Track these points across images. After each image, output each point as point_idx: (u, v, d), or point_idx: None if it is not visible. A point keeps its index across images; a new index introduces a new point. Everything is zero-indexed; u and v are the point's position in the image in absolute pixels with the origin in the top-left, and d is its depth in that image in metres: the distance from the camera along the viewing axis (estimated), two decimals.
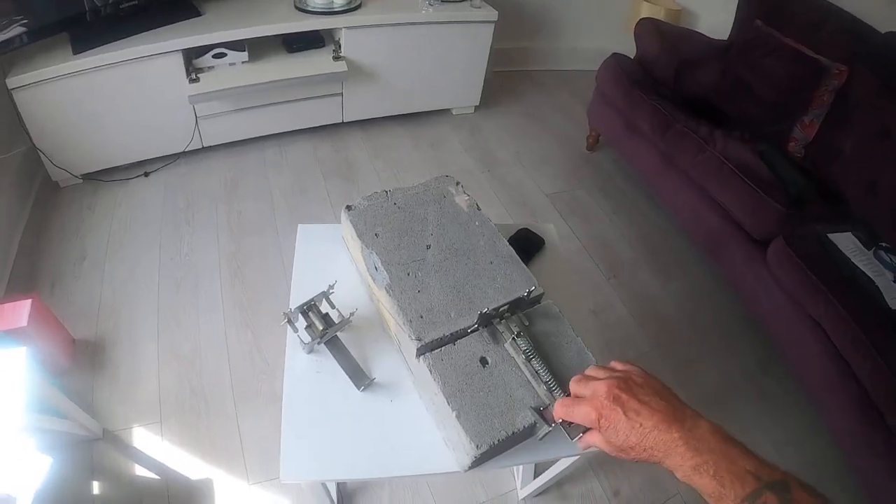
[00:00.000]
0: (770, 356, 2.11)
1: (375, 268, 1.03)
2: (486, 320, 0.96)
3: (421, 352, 0.92)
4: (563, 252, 1.37)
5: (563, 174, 2.94)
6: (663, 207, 2.64)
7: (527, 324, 0.97)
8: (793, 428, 1.94)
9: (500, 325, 0.95)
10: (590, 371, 0.73)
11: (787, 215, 1.97)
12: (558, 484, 1.75)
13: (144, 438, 1.83)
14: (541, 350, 0.93)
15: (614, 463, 1.79)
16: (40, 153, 2.51)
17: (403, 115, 3.21)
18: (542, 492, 1.73)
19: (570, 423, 0.73)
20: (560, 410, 0.72)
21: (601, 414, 0.65)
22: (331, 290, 1.05)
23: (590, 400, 0.67)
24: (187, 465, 1.78)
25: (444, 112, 3.32)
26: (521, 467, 1.70)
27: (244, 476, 1.75)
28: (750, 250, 2.07)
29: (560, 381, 0.88)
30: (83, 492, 1.71)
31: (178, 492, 1.72)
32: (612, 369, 0.71)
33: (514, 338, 0.79)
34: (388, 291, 0.98)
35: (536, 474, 1.67)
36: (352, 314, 1.03)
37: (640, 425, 0.63)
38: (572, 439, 0.73)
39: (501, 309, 0.94)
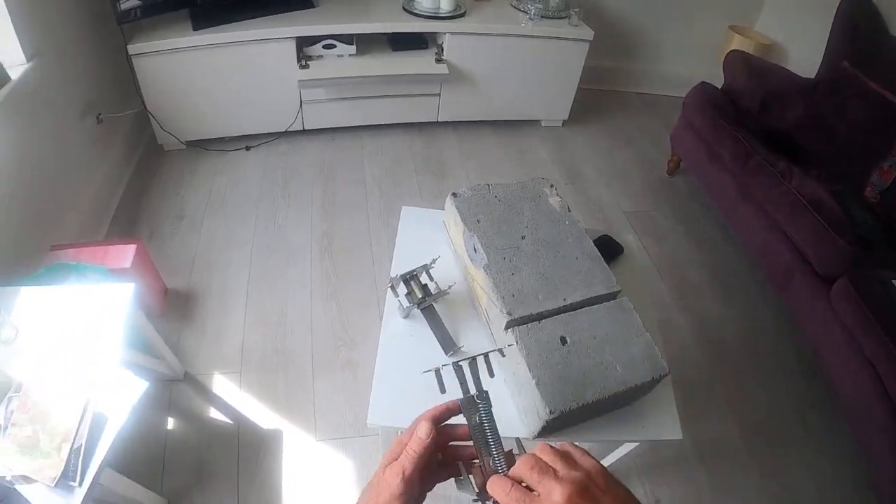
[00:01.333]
0: (822, 393, 2.12)
1: (475, 249, 1.16)
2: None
3: (509, 325, 1.04)
4: (639, 264, 1.46)
5: (641, 194, 3.00)
6: (735, 236, 2.66)
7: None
8: (836, 467, 1.94)
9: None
10: (544, 456, 0.56)
11: (855, 255, 1.98)
12: None
13: (222, 385, 1.99)
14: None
15: (659, 472, 1.85)
16: (150, 116, 2.76)
17: (495, 121, 3.34)
18: None
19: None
20: (499, 493, 0.55)
21: None
22: (432, 264, 1.18)
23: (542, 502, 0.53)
24: (260, 414, 1.92)
25: (533, 123, 3.43)
26: None
27: (312, 432, 1.89)
28: (815, 286, 2.08)
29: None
30: (158, 425, 1.88)
31: (248, 438, 1.86)
32: (572, 462, 0.55)
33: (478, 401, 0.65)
34: (485, 270, 1.10)
35: None
36: (450, 287, 1.17)
37: None
38: None
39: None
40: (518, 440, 0.65)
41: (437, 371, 0.67)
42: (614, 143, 3.37)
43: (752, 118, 2.64)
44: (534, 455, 0.56)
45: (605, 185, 3.03)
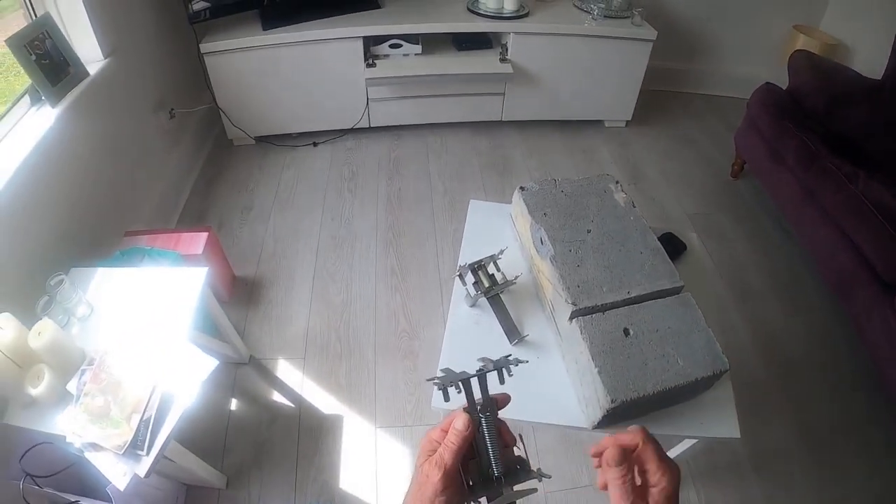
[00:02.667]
0: (883, 406, 2.06)
1: (541, 241, 1.20)
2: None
3: (574, 315, 1.08)
4: (701, 263, 1.46)
5: (704, 197, 2.96)
6: (798, 241, 2.60)
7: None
8: (892, 483, 1.88)
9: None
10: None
11: None
12: None
13: (286, 370, 2.06)
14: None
15: (713, 477, 1.84)
16: (221, 112, 2.89)
17: (559, 121, 3.35)
18: None
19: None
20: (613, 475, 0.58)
21: None
22: (500, 255, 1.22)
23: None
24: (321, 400, 1.98)
25: (597, 123, 3.42)
26: None
27: (372, 419, 1.94)
28: (879, 294, 2.01)
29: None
30: (222, 405, 1.95)
31: (309, 421, 1.92)
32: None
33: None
34: (551, 262, 1.14)
35: None
36: (517, 277, 1.21)
37: None
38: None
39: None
40: (520, 435, 0.65)
41: (444, 387, 0.64)
42: (677, 144, 3.33)
43: (816, 120, 2.57)
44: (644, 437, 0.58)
45: (667, 187, 3.01)
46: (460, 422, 0.60)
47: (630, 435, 0.59)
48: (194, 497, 1.72)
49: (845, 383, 2.15)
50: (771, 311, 2.38)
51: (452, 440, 0.59)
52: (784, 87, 2.73)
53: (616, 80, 3.15)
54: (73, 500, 1.34)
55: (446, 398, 0.63)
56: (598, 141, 3.31)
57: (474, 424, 0.61)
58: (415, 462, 0.63)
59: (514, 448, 0.64)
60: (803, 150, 2.39)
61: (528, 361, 0.67)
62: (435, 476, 0.57)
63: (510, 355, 0.66)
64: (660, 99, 3.65)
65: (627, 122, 3.41)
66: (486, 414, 0.62)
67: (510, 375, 0.66)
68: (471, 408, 0.62)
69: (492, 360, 0.66)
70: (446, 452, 0.59)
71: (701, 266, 1.44)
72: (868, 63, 2.83)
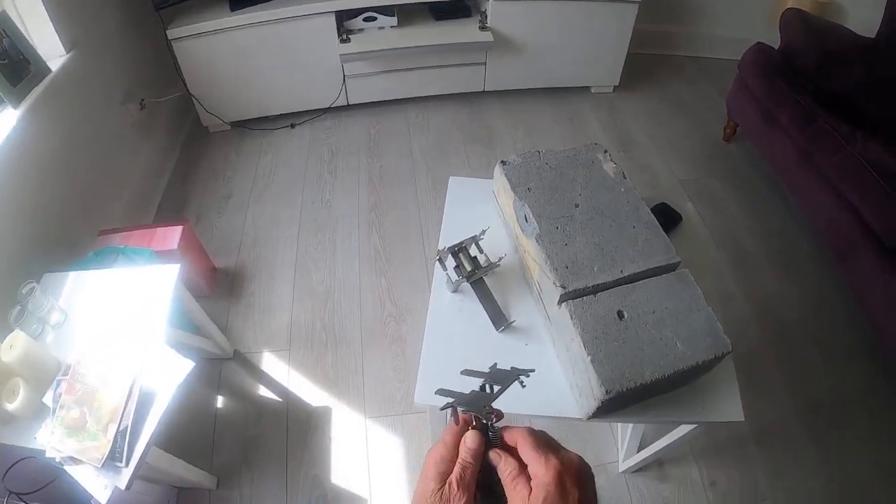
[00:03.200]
0: (884, 374, 2.01)
1: (526, 219, 1.11)
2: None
3: (563, 299, 1.00)
4: (698, 234, 1.38)
5: (697, 162, 2.89)
6: (795, 205, 2.54)
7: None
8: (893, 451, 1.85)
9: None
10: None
11: None
12: (658, 462, 1.78)
13: (271, 363, 2.02)
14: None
15: (715, 454, 1.80)
16: (194, 99, 2.79)
17: (543, 88, 3.24)
18: (641, 468, 1.76)
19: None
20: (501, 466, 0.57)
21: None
22: (481, 236, 1.14)
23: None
24: (309, 392, 1.94)
25: (583, 90, 3.32)
26: (626, 440, 1.74)
27: (361, 409, 1.89)
28: (879, 258, 1.96)
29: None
30: (208, 403, 1.91)
31: (297, 414, 1.88)
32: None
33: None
34: (537, 241, 1.05)
35: (640, 449, 1.70)
36: (500, 259, 1.12)
37: None
38: None
39: None
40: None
41: (454, 408, 0.61)
42: (667, 109, 3.24)
43: (810, 79, 2.50)
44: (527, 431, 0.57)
45: (658, 153, 2.92)
46: (473, 440, 0.57)
47: (514, 431, 0.58)
48: (186, 499, 1.69)
49: (848, 352, 2.10)
50: (770, 279, 2.32)
51: (469, 460, 0.56)
52: (776, 48, 2.64)
53: (601, 45, 3.05)
54: None
55: (456, 421, 0.60)
56: (584, 108, 3.22)
57: (483, 439, 0.58)
58: (420, 484, 0.57)
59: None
60: (798, 110, 2.32)
61: (535, 370, 0.62)
62: (459, 500, 0.53)
63: (516, 368, 0.62)
64: (648, 63, 3.54)
65: (615, 87, 3.31)
66: (493, 430, 0.59)
67: (523, 387, 0.61)
68: (477, 424, 0.60)
69: (498, 369, 0.62)
70: (467, 474, 0.55)
71: (697, 237, 1.36)
72: (861, 21, 2.73)
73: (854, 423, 1.90)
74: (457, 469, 0.56)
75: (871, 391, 1.98)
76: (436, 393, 0.60)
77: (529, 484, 0.53)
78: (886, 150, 2.05)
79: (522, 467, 0.55)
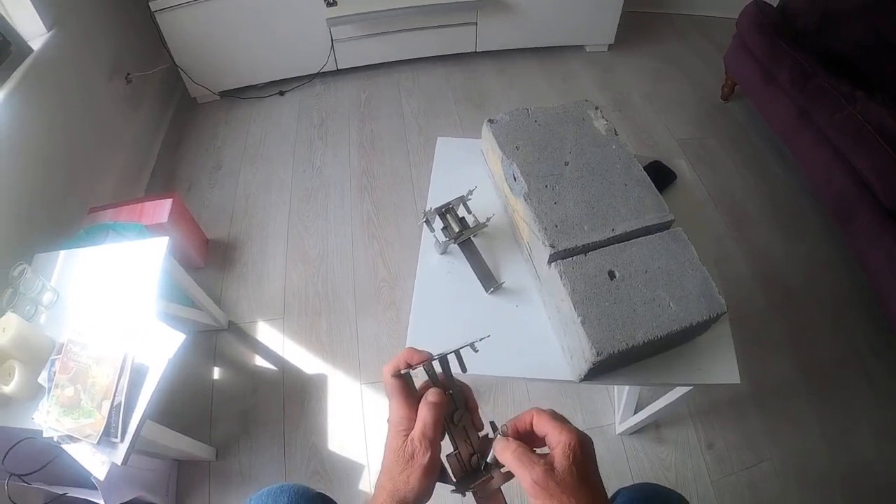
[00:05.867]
0: (885, 337, 1.99)
1: (514, 178, 1.07)
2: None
3: (553, 259, 0.97)
4: (693, 192, 1.35)
5: (694, 121, 2.83)
6: (794, 165, 2.50)
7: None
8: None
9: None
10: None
11: None
12: (655, 425, 1.77)
13: (266, 332, 2.00)
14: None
15: (713, 415, 1.79)
16: (180, 70, 2.73)
17: (536, 48, 3.17)
18: (638, 430, 1.75)
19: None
20: (506, 454, 0.58)
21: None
22: (469, 196, 1.11)
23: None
24: (304, 360, 1.93)
25: (577, 48, 3.24)
26: (622, 402, 1.73)
27: (357, 376, 1.89)
28: (880, 219, 1.93)
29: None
30: (204, 375, 1.90)
31: (293, 383, 1.87)
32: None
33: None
34: (525, 200, 1.02)
35: (636, 411, 1.69)
36: (488, 219, 1.09)
37: None
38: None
39: None
40: (493, 423, 0.65)
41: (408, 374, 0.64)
42: (664, 67, 3.17)
43: (810, 38, 2.44)
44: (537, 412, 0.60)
45: (654, 112, 2.87)
46: (434, 395, 0.61)
47: (523, 415, 0.60)
48: (186, 471, 1.69)
49: (845, 311, 2.08)
50: (769, 240, 2.29)
51: (429, 416, 0.59)
52: (774, 5, 2.57)
53: (595, 1, 2.96)
54: (61, 492, 1.32)
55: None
56: (578, 67, 3.15)
57: (446, 395, 0.62)
58: (386, 445, 0.61)
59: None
60: (797, 69, 2.26)
61: (489, 336, 0.66)
62: (423, 455, 0.58)
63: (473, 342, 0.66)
64: (644, 20, 3.45)
65: (610, 45, 3.23)
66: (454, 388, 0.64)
67: (476, 351, 0.65)
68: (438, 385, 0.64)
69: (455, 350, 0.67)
70: (429, 430, 0.59)
71: (692, 196, 1.32)
72: None
73: (854, 385, 1.88)
74: (418, 425, 0.59)
75: (873, 353, 1.96)
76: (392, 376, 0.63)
77: (535, 457, 0.55)
78: (887, 111, 2.01)
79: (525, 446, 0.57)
